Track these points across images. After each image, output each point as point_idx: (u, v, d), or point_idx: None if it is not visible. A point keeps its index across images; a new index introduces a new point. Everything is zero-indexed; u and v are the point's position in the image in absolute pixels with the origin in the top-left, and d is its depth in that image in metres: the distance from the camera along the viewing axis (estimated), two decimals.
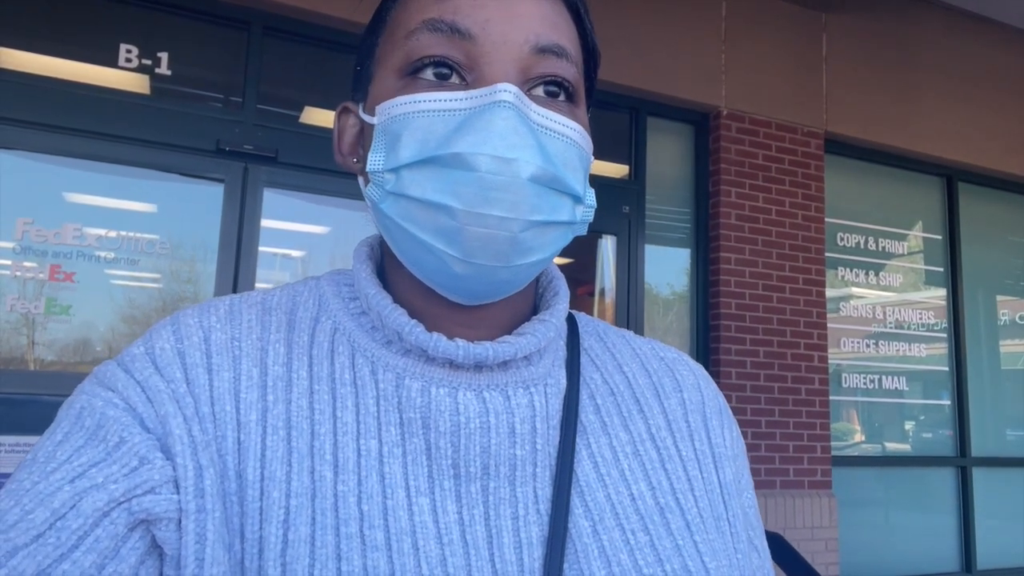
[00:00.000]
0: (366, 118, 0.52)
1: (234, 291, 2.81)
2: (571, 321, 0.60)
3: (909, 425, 4.32)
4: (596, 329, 0.63)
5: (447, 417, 0.48)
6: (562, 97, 0.50)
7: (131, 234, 2.73)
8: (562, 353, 0.56)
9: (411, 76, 0.48)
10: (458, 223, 0.45)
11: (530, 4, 0.49)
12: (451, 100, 0.46)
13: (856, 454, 4.09)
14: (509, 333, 0.53)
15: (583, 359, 0.58)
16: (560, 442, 0.51)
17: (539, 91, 0.49)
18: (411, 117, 0.47)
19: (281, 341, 0.51)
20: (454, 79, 0.48)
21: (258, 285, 2.88)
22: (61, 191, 2.68)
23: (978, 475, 4.30)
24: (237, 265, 2.82)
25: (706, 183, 3.78)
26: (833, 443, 3.87)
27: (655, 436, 0.55)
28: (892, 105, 4.19)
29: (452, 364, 0.50)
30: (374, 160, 0.49)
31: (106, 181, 2.75)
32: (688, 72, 3.67)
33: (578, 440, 0.53)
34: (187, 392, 0.47)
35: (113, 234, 2.71)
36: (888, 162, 4.30)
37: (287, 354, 0.51)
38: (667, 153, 3.82)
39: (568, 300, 0.57)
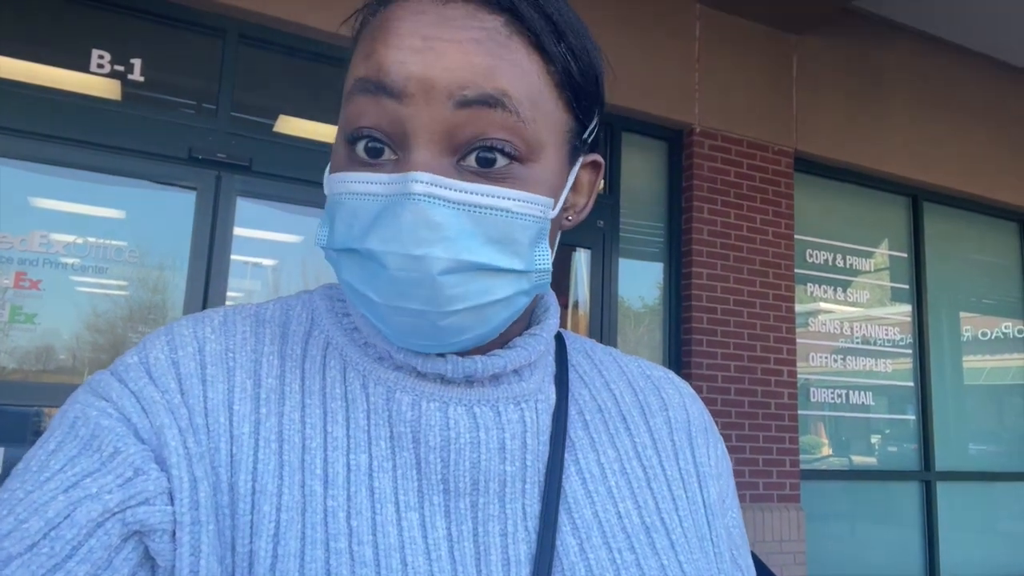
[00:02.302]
0: (324, 183, 0.51)
1: (204, 300, 2.77)
2: (558, 338, 0.60)
3: (875, 439, 4.39)
4: (583, 346, 0.63)
5: (437, 432, 0.48)
6: (501, 161, 0.45)
7: (100, 241, 2.69)
8: (551, 369, 0.56)
9: (351, 146, 0.47)
10: (380, 312, 0.46)
11: (456, 51, 0.45)
12: (372, 183, 0.45)
13: (823, 468, 4.15)
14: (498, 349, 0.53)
15: (571, 375, 0.58)
16: (549, 457, 0.51)
17: (471, 160, 0.45)
18: (342, 199, 0.47)
19: (275, 353, 0.51)
20: (388, 153, 0.46)
21: (229, 294, 2.85)
22: (28, 197, 2.63)
23: (942, 489, 4.38)
24: (208, 274, 2.79)
25: (679, 199, 3.83)
26: (801, 456, 3.92)
27: (641, 454, 0.56)
28: (860, 125, 4.29)
29: (443, 379, 0.50)
30: (321, 235, 0.49)
31: (75, 187, 2.70)
32: (662, 90, 3.72)
33: (566, 456, 0.53)
34: (182, 403, 0.46)
35: (81, 241, 2.66)
36: (856, 181, 4.39)
37: (280, 366, 0.51)
38: (641, 169, 3.87)
39: (558, 316, 0.57)
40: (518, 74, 0.46)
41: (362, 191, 0.46)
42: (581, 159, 0.53)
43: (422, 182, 0.43)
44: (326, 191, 0.50)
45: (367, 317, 0.49)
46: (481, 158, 0.45)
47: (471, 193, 0.44)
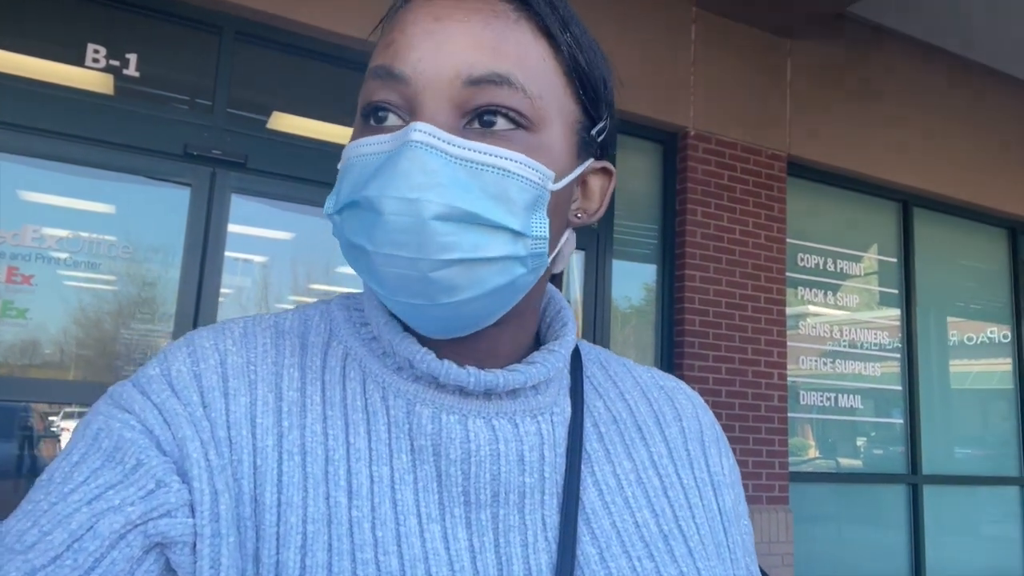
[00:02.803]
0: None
1: (198, 297, 2.77)
2: (574, 351, 0.61)
3: (862, 442, 4.42)
4: (598, 357, 0.63)
5: (458, 444, 0.49)
6: (502, 125, 0.47)
7: (93, 237, 2.68)
8: (566, 381, 0.57)
9: (365, 120, 0.49)
10: (374, 264, 0.46)
11: (465, 34, 0.47)
12: (378, 143, 0.47)
13: (811, 470, 4.18)
14: (515, 362, 0.54)
15: (586, 387, 0.59)
16: (566, 470, 0.52)
17: (476, 123, 0.47)
18: (351, 162, 0.48)
19: (295, 365, 0.52)
20: (395, 122, 0.48)
21: (222, 291, 2.84)
22: (20, 191, 2.62)
23: (928, 492, 4.42)
24: (202, 271, 2.78)
25: (673, 201, 3.84)
26: (790, 459, 3.94)
27: (657, 464, 0.57)
28: (852, 130, 4.32)
29: (462, 391, 0.50)
30: (328, 203, 0.50)
31: (68, 182, 2.69)
32: (657, 92, 3.74)
33: (583, 468, 0.54)
34: (204, 416, 0.47)
35: (74, 237, 2.65)
36: (847, 186, 4.42)
37: (301, 379, 0.51)
38: (635, 171, 3.88)
39: (576, 331, 0.58)
40: (525, 55, 0.48)
41: (369, 151, 0.47)
42: (592, 160, 0.55)
43: (421, 131, 0.45)
44: (339, 165, 0.51)
45: (365, 281, 0.48)
46: (486, 120, 0.47)
47: (468, 149, 0.45)
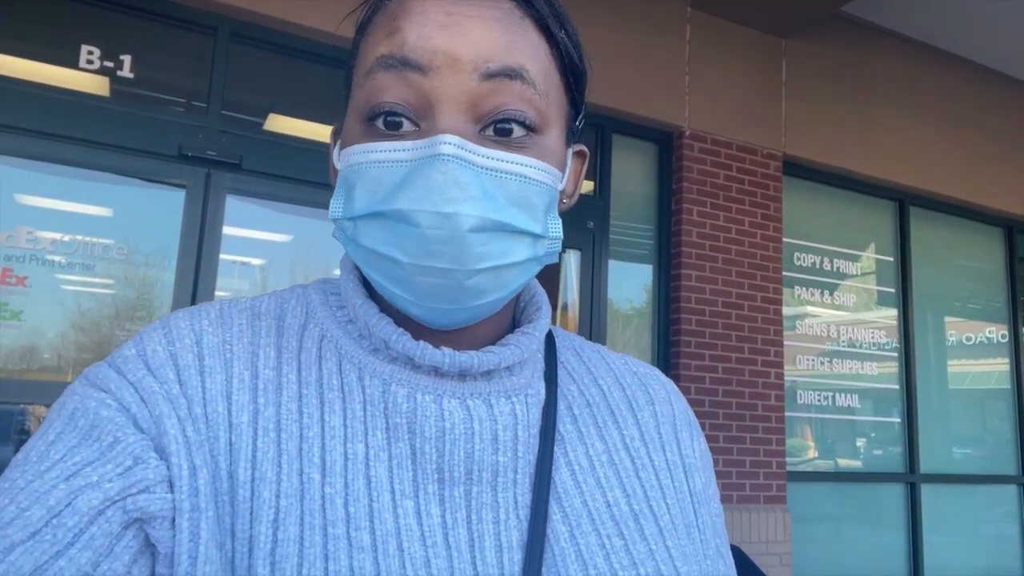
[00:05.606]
0: (334, 160, 0.53)
1: (193, 299, 2.76)
2: (548, 335, 0.62)
3: (860, 442, 4.42)
4: (572, 343, 0.65)
5: (432, 423, 0.49)
6: (518, 131, 0.49)
7: (88, 239, 2.68)
8: (541, 365, 0.58)
9: (370, 122, 0.49)
10: (406, 273, 0.47)
11: (480, 27, 0.48)
12: (398, 151, 0.47)
13: (810, 470, 4.18)
14: (490, 345, 0.55)
15: (560, 371, 0.60)
16: (539, 450, 0.53)
17: (491, 130, 0.48)
18: (364, 168, 0.48)
19: (271, 345, 0.52)
20: (408, 126, 0.48)
21: (218, 293, 2.84)
22: (15, 193, 2.62)
23: (926, 491, 4.42)
24: (197, 272, 2.78)
25: (669, 201, 3.84)
26: (787, 458, 3.94)
27: (629, 446, 0.58)
28: (848, 130, 4.32)
29: (437, 372, 0.51)
30: (335, 207, 0.50)
31: (63, 184, 2.68)
32: (653, 92, 3.74)
33: (556, 448, 0.55)
34: (180, 393, 0.47)
35: (68, 238, 2.65)
36: (843, 185, 4.42)
37: (277, 358, 0.52)
38: (631, 170, 3.88)
39: (550, 315, 0.59)
40: (533, 51, 0.50)
41: (386, 159, 0.48)
42: (572, 146, 0.56)
43: (451, 144, 0.46)
44: (338, 166, 0.51)
45: (384, 287, 0.49)
46: (500, 128, 0.48)
47: (493, 159, 0.47)
